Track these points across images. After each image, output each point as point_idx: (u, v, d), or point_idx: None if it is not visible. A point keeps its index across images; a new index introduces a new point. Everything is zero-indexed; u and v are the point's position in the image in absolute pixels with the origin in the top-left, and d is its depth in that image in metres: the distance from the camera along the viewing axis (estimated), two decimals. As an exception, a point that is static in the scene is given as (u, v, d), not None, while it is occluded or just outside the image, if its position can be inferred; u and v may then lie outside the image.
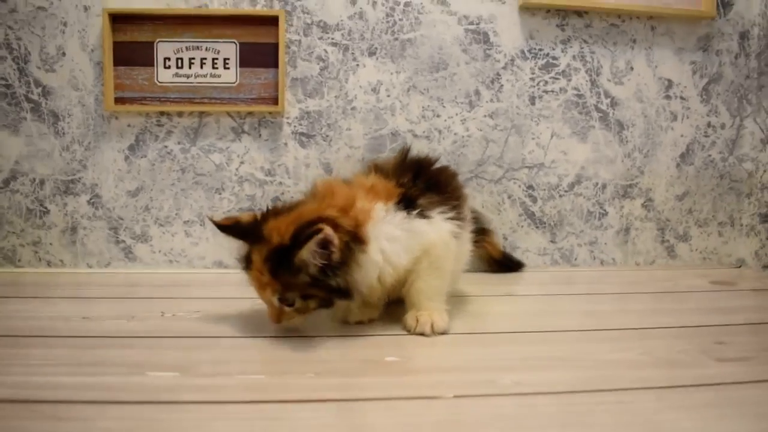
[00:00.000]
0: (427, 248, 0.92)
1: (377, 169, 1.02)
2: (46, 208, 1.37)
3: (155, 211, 1.38)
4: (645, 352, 0.84)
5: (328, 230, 0.80)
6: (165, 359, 0.81)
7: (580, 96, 1.42)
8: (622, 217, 1.46)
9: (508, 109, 1.40)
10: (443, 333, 0.91)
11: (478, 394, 0.69)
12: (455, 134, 1.39)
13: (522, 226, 1.43)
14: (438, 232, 0.93)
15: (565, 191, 1.44)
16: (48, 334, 0.91)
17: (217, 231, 0.93)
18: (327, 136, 1.38)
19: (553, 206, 1.44)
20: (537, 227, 1.44)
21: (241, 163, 1.37)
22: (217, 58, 1.33)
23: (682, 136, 1.46)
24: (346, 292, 0.86)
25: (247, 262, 0.89)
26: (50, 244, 1.38)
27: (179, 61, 1.33)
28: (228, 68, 1.33)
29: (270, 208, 0.92)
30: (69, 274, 1.35)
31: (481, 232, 1.31)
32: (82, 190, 1.37)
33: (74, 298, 1.15)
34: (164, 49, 1.32)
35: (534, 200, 1.43)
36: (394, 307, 1.05)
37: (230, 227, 0.92)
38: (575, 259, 1.46)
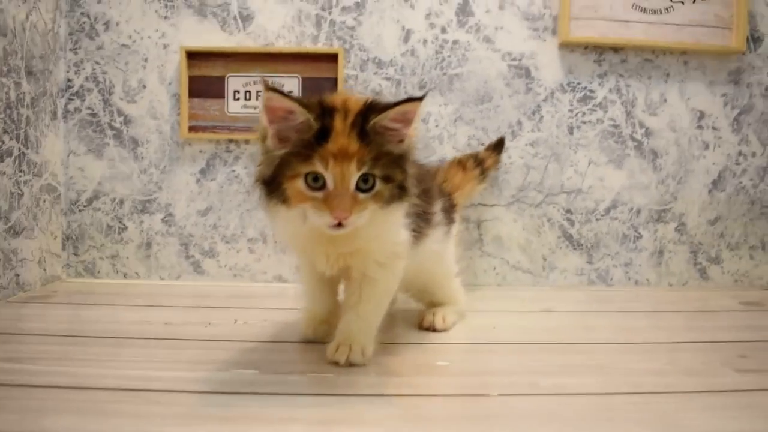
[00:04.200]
0: None
1: None
2: (124, 225, 1.52)
3: (222, 229, 1.51)
4: (670, 363, 0.93)
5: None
6: (244, 359, 0.93)
7: (616, 126, 1.51)
8: (656, 240, 1.54)
9: (548, 138, 1.50)
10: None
11: (521, 393, 0.80)
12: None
13: (560, 248, 1.53)
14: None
15: (602, 215, 1.53)
16: (136, 336, 1.04)
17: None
18: (380, 162, 1.49)
19: (590, 229, 1.53)
20: (575, 249, 1.53)
21: (302, 186, 1.49)
22: (281, 91, 1.46)
23: (713, 164, 1.53)
24: (405, 190, 0.83)
25: (321, 136, 0.77)
26: (127, 257, 1.52)
27: (247, 93, 1.46)
28: (291, 100, 1.46)
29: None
30: (143, 285, 1.48)
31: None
32: (157, 209, 1.51)
33: (152, 306, 1.27)
34: (234, 83, 1.46)
35: (572, 223, 1.52)
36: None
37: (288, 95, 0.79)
38: (611, 279, 1.54)
